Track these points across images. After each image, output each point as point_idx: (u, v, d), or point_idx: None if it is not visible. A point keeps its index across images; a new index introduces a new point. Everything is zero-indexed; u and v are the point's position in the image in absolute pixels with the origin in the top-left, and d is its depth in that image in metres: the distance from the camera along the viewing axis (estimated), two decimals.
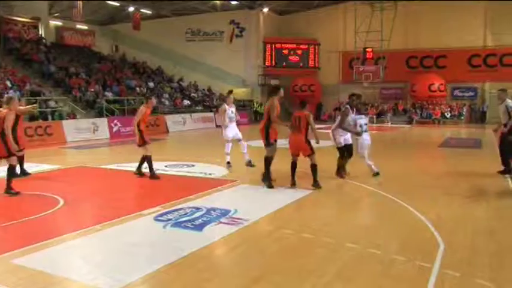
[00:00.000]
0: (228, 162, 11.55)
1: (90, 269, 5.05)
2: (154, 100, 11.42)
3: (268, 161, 9.31)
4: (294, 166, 9.34)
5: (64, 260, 5.38)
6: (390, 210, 7.53)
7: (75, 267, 5.16)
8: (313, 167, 9.15)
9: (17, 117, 9.72)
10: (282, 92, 9.65)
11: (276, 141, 9.32)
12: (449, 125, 30.89)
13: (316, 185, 9.01)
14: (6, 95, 9.58)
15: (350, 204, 7.63)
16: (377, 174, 10.38)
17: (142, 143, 10.38)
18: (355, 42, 34.12)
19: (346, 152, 10.31)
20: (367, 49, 33.52)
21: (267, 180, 9.23)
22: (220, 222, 6.69)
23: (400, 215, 7.19)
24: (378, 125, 31.05)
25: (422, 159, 14.86)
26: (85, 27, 36.94)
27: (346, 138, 10.29)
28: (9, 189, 8.77)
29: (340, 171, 10.39)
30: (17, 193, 8.75)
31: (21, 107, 10.47)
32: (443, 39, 32.74)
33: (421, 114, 33.43)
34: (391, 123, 32.16)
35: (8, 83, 23.53)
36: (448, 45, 32.97)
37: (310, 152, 9.15)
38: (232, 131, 11.83)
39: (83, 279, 4.74)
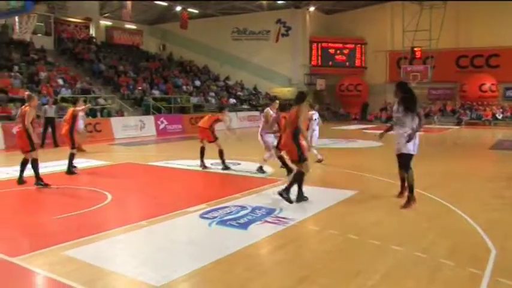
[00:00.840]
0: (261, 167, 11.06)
1: (136, 263, 5.11)
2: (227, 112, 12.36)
3: (302, 177, 7.93)
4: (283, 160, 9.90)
5: (111, 254, 5.47)
6: (438, 214, 7.30)
7: (121, 262, 5.24)
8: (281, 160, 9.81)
9: (74, 117, 11.14)
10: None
11: None
12: (501, 127, 29.81)
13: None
14: (26, 93, 10.27)
15: (397, 206, 7.45)
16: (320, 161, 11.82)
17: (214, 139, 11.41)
18: (402, 41, 33.39)
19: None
20: (415, 48, 32.76)
21: (301, 197, 7.96)
22: (265, 221, 6.65)
23: (448, 219, 6.96)
24: (426, 126, 30.32)
25: (472, 161, 14.34)
26: (133, 26, 37.67)
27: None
28: (39, 181, 9.30)
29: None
30: (47, 185, 9.29)
31: (78, 108, 11.60)
32: (496, 37, 31.59)
33: (470, 115, 32.43)
34: (439, 124, 31.33)
35: (60, 81, 24.27)
36: (501, 43, 31.79)
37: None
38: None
39: (129, 274, 4.79)
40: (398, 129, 7.75)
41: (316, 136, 12.96)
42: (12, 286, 4.63)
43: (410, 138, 7.47)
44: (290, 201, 7.58)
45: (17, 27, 15.72)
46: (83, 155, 13.89)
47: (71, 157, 10.72)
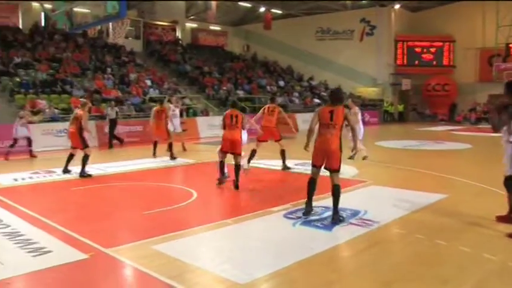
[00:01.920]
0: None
1: (221, 260, 5.20)
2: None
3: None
4: (222, 164, 9.34)
5: (197, 250, 5.62)
6: None
7: (207, 258, 5.36)
8: (237, 168, 9.01)
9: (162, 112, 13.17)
10: None
11: None
12: None
13: (236, 186, 8.80)
14: (81, 99, 12.06)
15: (489, 213, 7.03)
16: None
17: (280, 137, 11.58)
18: (496, 37, 31.66)
19: None
20: (511, 45, 30.97)
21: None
22: (350, 223, 6.56)
23: None
24: None
25: None
26: (218, 28, 38.47)
27: None
28: (83, 173, 10.70)
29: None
30: (90, 175, 10.69)
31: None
32: None
33: None
34: None
35: (148, 82, 25.26)
36: None
37: (239, 152, 9.08)
38: None
39: (214, 270, 4.89)
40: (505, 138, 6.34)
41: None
42: (105, 275, 4.90)
43: None
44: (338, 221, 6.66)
45: (111, 32, 16.56)
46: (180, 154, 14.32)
47: (85, 158, 10.98)
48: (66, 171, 11.17)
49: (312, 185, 7.00)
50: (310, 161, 7.06)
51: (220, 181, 9.26)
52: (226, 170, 9.38)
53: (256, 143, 11.22)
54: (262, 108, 11.77)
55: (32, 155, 14.87)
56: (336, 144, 6.75)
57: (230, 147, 9.12)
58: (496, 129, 6.34)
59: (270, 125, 11.30)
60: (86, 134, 11.04)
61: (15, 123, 14.77)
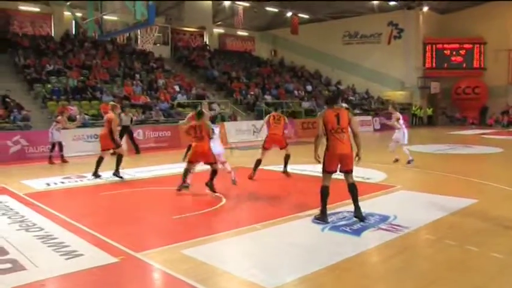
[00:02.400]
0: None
1: (249, 265, 5.22)
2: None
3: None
4: (186, 172, 9.28)
5: (226, 254, 5.65)
6: None
7: (235, 262, 5.39)
8: (214, 172, 9.06)
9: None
10: None
11: None
12: None
13: (212, 189, 8.87)
14: (111, 103, 12.31)
15: None
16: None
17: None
18: None
19: None
20: None
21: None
22: (380, 228, 6.50)
23: None
24: None
25: None
26: (245, 33, 38.67)
27: None
28: (117, 173, 11.14)
29: None
30: (122, 178, 11.05)
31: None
32: None
33: None
34: None
35: (177, 88, 25.52)
36: None
37: (213, 161, 9.01)
38: None
39: (242, 275, 4.91)
40: None
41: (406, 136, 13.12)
42: (135, 279, 4.96)
43: None
44: (363, 218, 6.86)
45: (139, 39, 16.79)
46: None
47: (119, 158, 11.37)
48: (96, 175, 11.36)
49: (327, 192, 6.94)
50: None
51: (179, 188, 9.26)
52: (188, 181, 9.41)
53: (262, 151, 11.17)
54: (268, 116, 11.73)
55: (63, 160, 15.17)
56: (350, 147, 6.83)
57: (200, 158, 9.19)
58: None
59: (278, 132, 11.22)
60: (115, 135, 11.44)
61: (51, 128, 15.11)
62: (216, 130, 9.69)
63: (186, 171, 9.28)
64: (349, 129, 6.91)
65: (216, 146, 9.55)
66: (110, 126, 11.24)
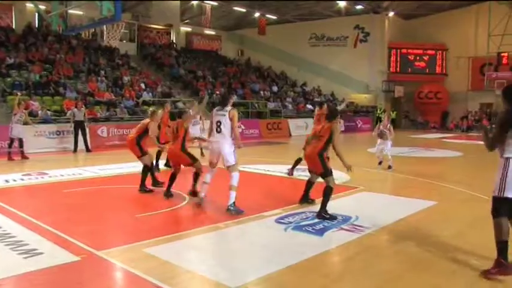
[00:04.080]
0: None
1: (212, 264, 5.24)
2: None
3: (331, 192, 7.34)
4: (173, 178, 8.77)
5: (189, 253, 5.65)
6: None
7: (198, 261, 5.37)
8: (195, 175, 8.71)
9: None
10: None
11: None
12: None
13: (192, 194, 8.49)
14: (151, 109, 11.17)
15: (479, 219, 7.07)
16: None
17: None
18: (488, 46, 31.96)
19: None
20: (503, 54, 31.22)
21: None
22: (341, 229, 6.59)
23: None
24: None
25: None
26: (212, 32, 38.54)
27: None
28: (143, 187, 9.41)
29: None
30: (151, 191, 9.39)
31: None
32: None
33: None
34: None
35: (142, 85, 25.24)
36: None
37: (190, 161, 8.64)
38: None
39: (206, 274, 4.91)
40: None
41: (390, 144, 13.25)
42: (96, 277, 4.89)
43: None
44: (334, 217, 7.09)
45: (105, 34, 16.55)
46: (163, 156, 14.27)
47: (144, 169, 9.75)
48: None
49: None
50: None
51: (166, 195, 8.77)
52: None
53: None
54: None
55: (23, 156, 14.82)
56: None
57: (174, 160, 8.92)
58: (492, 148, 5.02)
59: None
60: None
61: (11, 122, 14.74)
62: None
63: (172, 177, 8.83)
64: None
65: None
66: (141, 132, 9.69)
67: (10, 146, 14.75)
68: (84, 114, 17.34)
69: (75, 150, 17.01)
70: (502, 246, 4.83)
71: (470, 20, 34.06)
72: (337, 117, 7.64)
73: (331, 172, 7.36)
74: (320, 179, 7.53)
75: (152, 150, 10.21)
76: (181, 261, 5.25)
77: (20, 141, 14.94)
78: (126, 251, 5.55)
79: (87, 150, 17.10)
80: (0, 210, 7.50)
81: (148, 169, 9.61)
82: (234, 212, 7.28)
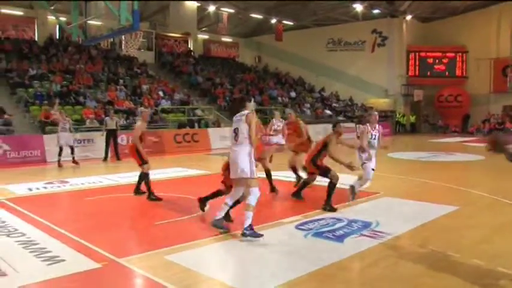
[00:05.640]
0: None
1: (232, 271, 5.26)
2: None
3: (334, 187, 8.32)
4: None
5: (209, 260, 5.65)
6: None
7: (218, 268, 5.41)
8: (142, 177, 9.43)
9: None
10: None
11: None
12: None
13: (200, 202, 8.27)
14: (140, 109, 10.79)
15: (504, 224, 6.97)
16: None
17: None
18: (511, 47, 31.45)
19: None
20: None
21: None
22: (362, 235, 6.55)
23: None
24: None
25: None
26: (230, 39, 38.73)
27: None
28: (150, 195, 9.44)
29: None
30: (160, 199, 9.35)
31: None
32: None
33: None
34: None
35: (161, 93, 25.45)
36: None
37: (139, 162, 9.39)
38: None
39: (226, 281, 4.92)
40: None
41: None
42: (118, 284, 4.96)
43: None
44: (335, 209, 8.01)
45: (123, 44, 16.73)
46: (181, 163, 14.42)
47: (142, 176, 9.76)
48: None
49: None
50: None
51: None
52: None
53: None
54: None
55: (74, 161, 15.38)
56: None
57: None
58: None
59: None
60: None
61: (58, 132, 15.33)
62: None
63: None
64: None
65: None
66: (135, 138, 9.75)
67: (60, 153, 15.16)
68: (116, 123, 17.58)
69: (105, 158, 17.15)
70: None
71: (490, 21, 33.48)
72: (334, 129, 8.56)
73: (329, 170, 8.26)
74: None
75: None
76: (202, 268, 5.26)
77: (71, 148, 15.38)
78: (146, 258, 5.58)
79: (118, 158, 17.03)
80: (24, 218, 7.63)
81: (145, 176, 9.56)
82: (250, 237, 6.31)
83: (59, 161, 15.08)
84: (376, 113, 9.30)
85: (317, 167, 8.48)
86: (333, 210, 7.97)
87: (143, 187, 9.62)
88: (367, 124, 8.80)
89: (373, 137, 8.71)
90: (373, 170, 8.62)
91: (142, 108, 11.23)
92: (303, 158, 9.67)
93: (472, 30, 33.87)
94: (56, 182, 11.69)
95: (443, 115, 35.61)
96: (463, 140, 26.89)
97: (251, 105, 6.97)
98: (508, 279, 4.88)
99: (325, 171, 8.36)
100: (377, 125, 8.85)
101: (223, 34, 36.08)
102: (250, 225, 6.37)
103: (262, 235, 6.29)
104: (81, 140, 17.73)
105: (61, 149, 15.13)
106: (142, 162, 9.54)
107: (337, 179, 8.23)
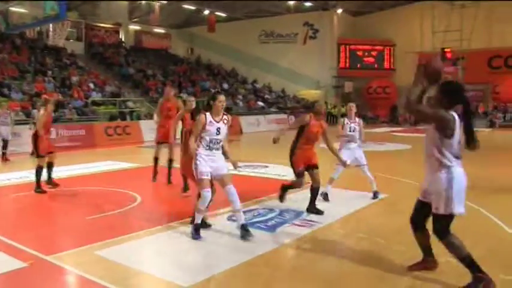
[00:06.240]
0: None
1: (164, 264, 5.22)
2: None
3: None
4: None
5: (141, 254, 5.61)
6: (471, 220, 7.03)
7: (150, 262, 5.38)
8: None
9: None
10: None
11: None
12: None
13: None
14: (43, 96, 10.47)
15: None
16: None
17: None
18: (432, 42, 32.91)
19: None
20: (446, 49, 32.19)
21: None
22: (293, 224, 6.69)
23: (483, 226, 6.67)
24: None
25: (507, 165, 13.73)
26: (162, 30, 38.14)
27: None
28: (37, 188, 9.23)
29: None
30: (45, 192, 9.18)
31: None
32: None
33: (504, 118, 31.65)
34: None
35: (91, 85, 24.74)
36: None
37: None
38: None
39: (158, 274, 4.90)
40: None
41: None
42: (46, 283, 4.80)
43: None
44: (321, 212, 7.29)
45: (51, 33, 16.11)
46: (112, 156, 14.11)
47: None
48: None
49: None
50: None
51: None
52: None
53: None
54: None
55: (4, 158, 14.68)
56: None
57: None
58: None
59: None
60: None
61: None
62: None
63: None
64: None
65: None
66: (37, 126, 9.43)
67: (4, 147, 14.73)
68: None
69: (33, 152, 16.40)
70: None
71: (415, 17, 34.81)
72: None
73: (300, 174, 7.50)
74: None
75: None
76: (134, 262, 5.20)
77: (5, 142, 14.77)
78: (76, 255, 5.45)
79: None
80: None
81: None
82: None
83: (4, 154, 14.59)
84: (352, 105, 9.19)
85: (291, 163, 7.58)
86: (320, 212, 7.26)
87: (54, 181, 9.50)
88: (345, 117, 8.92)
89: (352, 129, 8.68)
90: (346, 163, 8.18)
91: (45, 96, 10.73)
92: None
93: (398, 25, 35.21)
94: None
95: (373, 106, 36.72)
96: (392, 130, 27.87)
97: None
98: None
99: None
100: (357, 118, 8.82)
101: (155, 25, 35.49)
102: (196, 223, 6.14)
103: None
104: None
105: (4, 142, 14.71)
106: (36, 153, 9.25)
107: (301, 186, 7.67)
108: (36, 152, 9.32)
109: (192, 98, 8.81)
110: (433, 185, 4.51)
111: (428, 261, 4.90)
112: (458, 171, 4.45)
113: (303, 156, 7.45)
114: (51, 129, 10.58)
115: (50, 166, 9.72)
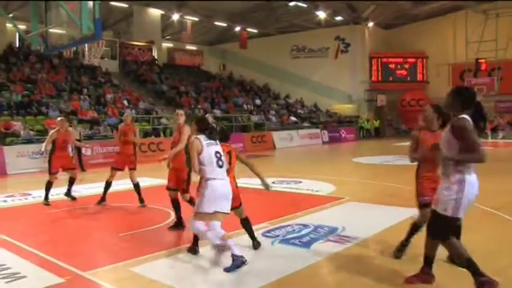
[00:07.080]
0: None
1: (198, 281, 5.22)
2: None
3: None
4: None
5: (176, 271, 5.59)
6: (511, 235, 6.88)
7: (185, 279, 5.33)
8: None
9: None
10: None
11: None
12: None
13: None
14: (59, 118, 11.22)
15: (469, 226, 7.05)
16: None
17: None
18: (466, 53, 32.42)
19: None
20: (480, 60, 31.63)
21: None
22: (328, 240, 6.59)
23: None
24: (492, 140, 28.98)
25: None
26: (194, 47, 38.65)
27: None
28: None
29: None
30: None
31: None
32: None
33: None
34: (503, 139, 29.70)
35: (125, 102, 25.16)
36: None
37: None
38: None
39: None
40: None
41: None
42: None
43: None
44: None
45: (86, 52, 16.43)
46: (146, 172, 14.24)
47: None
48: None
49: None
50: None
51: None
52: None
53: None
54: None
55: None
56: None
57: None
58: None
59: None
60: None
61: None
62: None
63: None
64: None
65: None
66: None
67: None
68: (80, 133, 17.06)
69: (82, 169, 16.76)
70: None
71: (447, 28, 34.59)
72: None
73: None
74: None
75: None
76: (168, 279, 5.19)
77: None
78: (112, 271, 5.49)
79: (82, 169, 16.56)
80: None
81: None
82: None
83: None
84: None
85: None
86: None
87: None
88: None
89: None
90: None
91: (62, 117, 11.44)
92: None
93: (431, 37, 34.83)
94: (18, 194, 11.40)
95: (406, 119, 36.26)
96: None
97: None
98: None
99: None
100: None
101: (188, 42, 36.00)
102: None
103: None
104: (44, 151, 17.33)
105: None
106: (49, 170, 10.29)
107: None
108: (49, 169, 10.28)
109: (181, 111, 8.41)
110: (446, 189, 4.51)
111: (425, 274, 4.94)
112: (472, 177, 4.47)
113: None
114: (69, 145, 11.66)
115: (71, 181, 10.56)
